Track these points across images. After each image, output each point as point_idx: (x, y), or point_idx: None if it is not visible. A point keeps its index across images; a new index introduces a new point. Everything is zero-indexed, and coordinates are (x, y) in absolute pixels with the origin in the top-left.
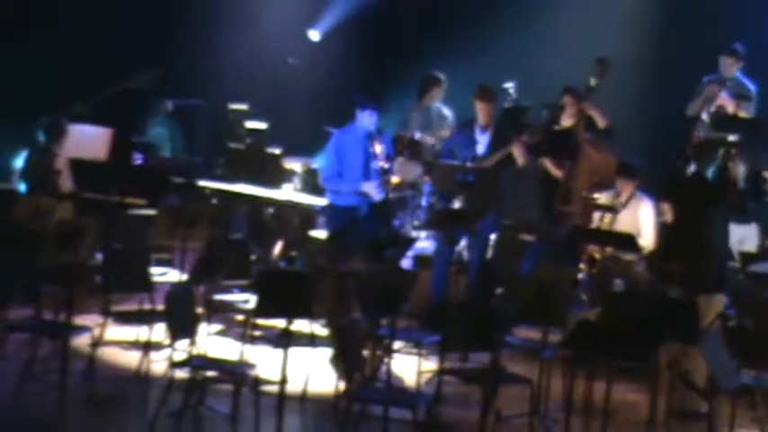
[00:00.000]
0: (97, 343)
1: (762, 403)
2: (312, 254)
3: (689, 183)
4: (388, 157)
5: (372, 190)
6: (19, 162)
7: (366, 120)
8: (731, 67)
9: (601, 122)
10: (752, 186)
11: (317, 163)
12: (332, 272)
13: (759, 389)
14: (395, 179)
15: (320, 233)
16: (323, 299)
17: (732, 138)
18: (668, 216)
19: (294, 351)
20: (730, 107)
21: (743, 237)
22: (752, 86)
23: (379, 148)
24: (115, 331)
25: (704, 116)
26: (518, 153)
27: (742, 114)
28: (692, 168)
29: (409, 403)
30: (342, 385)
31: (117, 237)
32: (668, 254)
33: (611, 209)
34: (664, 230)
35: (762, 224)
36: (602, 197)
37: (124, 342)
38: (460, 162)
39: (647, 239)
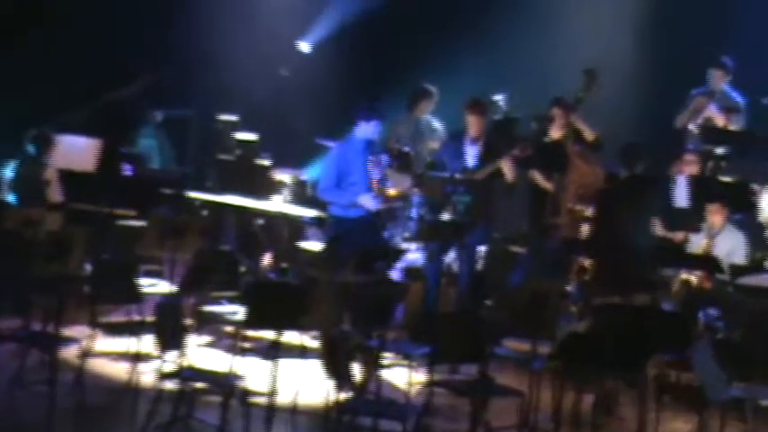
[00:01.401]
0: (86, 354)
1: (751, 416)
2: (303, 265)
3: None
4: (381, 179)
5: (369, 202)
6: (8, 173)
7: (369, 130)
8: (720, 80)
9: (589, 135)
10: (740, 198)
11: (306, 175)
12: (324, 283)
13: (748, 401)
14: (392, 191)
15: (310, 244)
16: (314, 310)
17: (720, 150)
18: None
19: (284, 363)
20: (719, 120)
21: (732, 249)
22: (740, 99)
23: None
24: (104, 342)
25: (692, 127)
26: (507, 168)
27: (731, 127)
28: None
29: (399, 415)
30: (333, 396)
31: (106, 248)
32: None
33: None
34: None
35: (751, 236)
36: (590, 210)
37: (113, 353)
38: (450, 174)
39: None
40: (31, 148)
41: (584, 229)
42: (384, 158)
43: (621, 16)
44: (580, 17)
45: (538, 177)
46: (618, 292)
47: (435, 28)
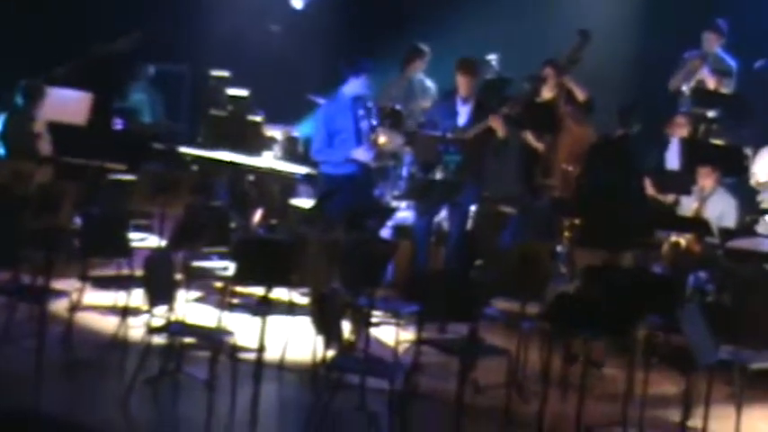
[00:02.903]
0: (75, 308)
1: (738, 379)
2: (293, 222)
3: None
4: (373, 126)
5: (362, 155)
6: None
7: (357, 85)
8: (713, 43)
9: (580, 95)
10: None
11: (298, 131)
12: (314, 240)
13: (736, 365)
14: (382, 139)
15: (301, 201)
16: (303, 267)
17: (712, 113)
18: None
19: (272, 319)
20: (711, 83)
21: (722, 213)
22: (733, 63)
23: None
24: (93, 296)
25: (684, 89)
26: (497, 125)
27: (723, 90)
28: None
29: (387, 373)
30: (321, 353)
31: (96, 202)
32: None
33: None
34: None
35: (741, 200)
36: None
37: (102, 307)
38: (441, 133)
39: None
40: (19, 100)
41: None
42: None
43: None
44: None
45: (529, 138)
46: (604, 249)
47: None
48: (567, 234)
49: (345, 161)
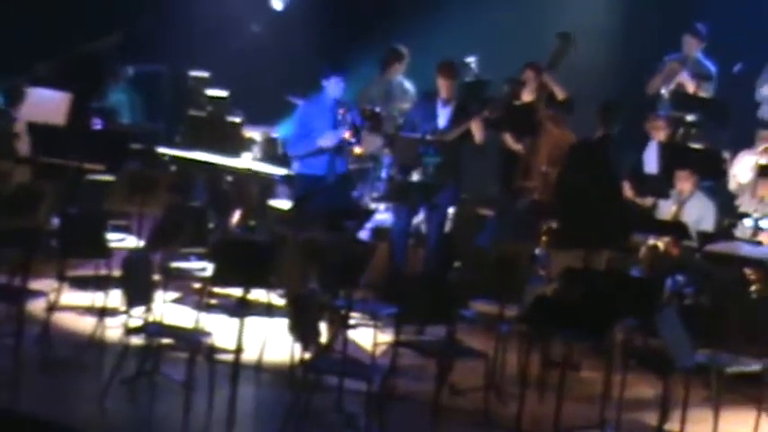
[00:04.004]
0: (52, 308)
1: (715, 382)
2: (272, 223)
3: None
4: (356, 127)
5: (328, 140)
6: None
7: (333, 88)
8: (693, 47)
9: (560, 94)
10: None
11: (278, 132)
12: (292, 241)
13: (713, 368)
14: (357, 150)
15: (280, 202)
16: (282, 269)
17: (691, 117)
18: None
19: (250, 320)
20: (690, 86)
21: (700, 216)
22: (712, 67)
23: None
24: (71, 296)
25: (664, 92)
26: (476, 129)
27: (702, 94)
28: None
29: (364, 375)
30: (298, 354)
31: (74, 202)
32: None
33: None
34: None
35: (719, 204)
36: None
37: (79, 307)
38: (421, 135)
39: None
40: (0, 100)
41: None
42: (353, 117)
43: None
44: None
45: (508, 140)
46: (580, 249)
47: None
48: (544, 238)
49: (314, 152)
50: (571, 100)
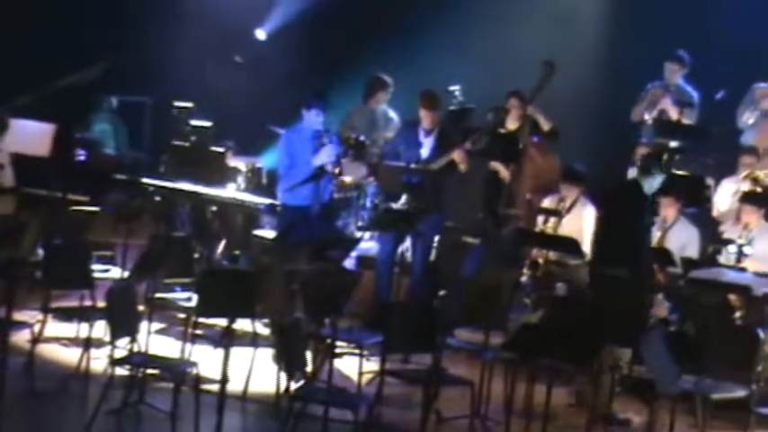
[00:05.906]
0: (37, 339)
1: (700, 409)
2: (257, 253)
3: (624, 188)
4: (337, 157)
5: (324, 156)
6: None
7: (312, 119)
8: (675, 74)
9: (545, 125)
10: (693, 192)
11: (263, 162)
12: (277, 271)
13: (699, 395)
14: (347, 179)
15: (264, 232)
16: (267, 298)
17: (674, 144)
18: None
19: (235, 350)
20: (673, 113)
21: (685, 243)
22: (695, 94)
23: (327, 149)
24: (55, 328)
25: (647, 117)
26: (459, 159)
27: (685, 121)
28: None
29: (350, 404)
30: (284, 384)
31: (58, 233)
32: (609, 258)
33: (556, 213)
34: (598, 235)
35: (703, 230)
36: (546, 201)
37: (64, 339)
38: (405, 163)
39: (590, 245)
40: None
41: (540, 221)
42: (335, 147)
43: (580, 9)
44: (538, 10)
45: (498, 166)
46: None
47: (393, 17)
48: (528, 272)
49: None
50: (556, 129)
